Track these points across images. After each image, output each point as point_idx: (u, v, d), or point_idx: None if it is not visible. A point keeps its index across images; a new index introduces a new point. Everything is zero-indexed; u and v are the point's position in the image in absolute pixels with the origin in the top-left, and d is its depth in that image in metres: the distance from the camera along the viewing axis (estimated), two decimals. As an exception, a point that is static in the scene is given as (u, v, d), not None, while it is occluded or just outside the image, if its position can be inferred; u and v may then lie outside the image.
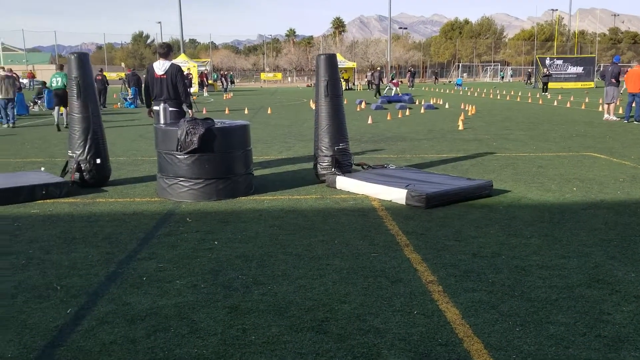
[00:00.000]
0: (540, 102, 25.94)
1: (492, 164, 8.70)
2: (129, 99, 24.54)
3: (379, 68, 35.99)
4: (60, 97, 14.77)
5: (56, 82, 15.16)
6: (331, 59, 7.42)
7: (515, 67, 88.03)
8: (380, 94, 30.75)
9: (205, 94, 38.41)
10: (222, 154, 6.42)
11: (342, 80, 45.74)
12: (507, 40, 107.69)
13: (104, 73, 26.00)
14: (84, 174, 6.96)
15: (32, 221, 5.53)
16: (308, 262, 4.29)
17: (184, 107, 7.45)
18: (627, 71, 16.00)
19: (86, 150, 6.97)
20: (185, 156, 6.28)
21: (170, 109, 7.30)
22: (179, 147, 6.25)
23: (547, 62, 45.69)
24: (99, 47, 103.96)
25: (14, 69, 24.54)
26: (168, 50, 7.51)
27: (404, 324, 3.21)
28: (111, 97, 29.10)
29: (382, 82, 34.61)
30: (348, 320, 3.26)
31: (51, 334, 3.13)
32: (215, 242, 4.80)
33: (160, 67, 7.31)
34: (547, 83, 36.42)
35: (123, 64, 50.83)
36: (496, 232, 5.04)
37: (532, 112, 19.49)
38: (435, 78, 65.68)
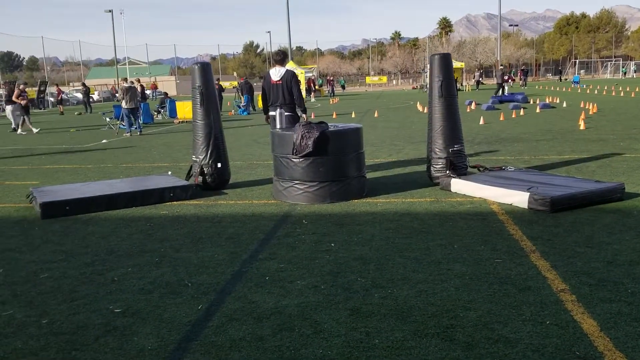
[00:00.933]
0: (673, 98, 23.75)
1: (621, 166, 8.06)
2: (242, 106, 25.58)
3: (501, 67, 34.75)
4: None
5: None
6: (446, 59, 7.26)
7: (639, 62, 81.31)
8: (504, 93, 29.71)
9: (313, 99, 39.15)
10: (335, 157, 6.49)
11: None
12: (629, 33, 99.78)
13: (219, 82, 27.33)
14: (207, 177, 7.33)
15: (162, 221, 5.91)
16: (427, 267, 4.20)
17: (298, 111, 7.63)
18: None
19: (208, 155, 7.33)
20: (301, 159, 6.41)
21: (286, 113, 7.50)
22: (295, 151, 6.40)
23: (680, 54, 41.70)
24: (213, 58, 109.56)
25: (135, 78, 26.47)
26: (284, 57, 7.74)
27: (536, 334, 3.04)
28: (225, 104, 30.48)
29: (510, 82, 33.24)
30: (475, 328, 3.14)
31: (185, 328, 3.30)
32: (332, 244, 4.84)
33: (276, 73, 7.53)
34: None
35: (235, 73, 53.24)
36: (632, 239, 4.65)
37: (664, 109, 17.88)
38: (560, 72, 62.27)
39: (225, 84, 53.25)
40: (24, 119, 19.17)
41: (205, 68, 7.41)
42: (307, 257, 4.52)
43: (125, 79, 17.35)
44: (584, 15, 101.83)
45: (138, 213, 6.33)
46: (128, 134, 16.40)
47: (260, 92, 7.91)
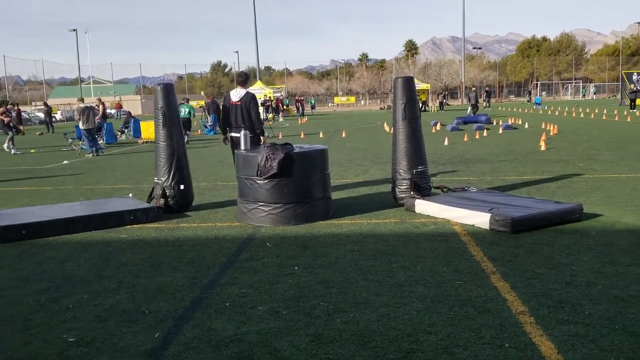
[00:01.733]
0: (629, 119, 24.56)
1: (580, 186, 8.25)
2: (209, 125, 25.43)
3: (473, 88, 35.60)
4: (185, 124, 18.37)
5: (183, 111, 19.85)
6: (409, 82, 7.36)
7: (598, 84, 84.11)
8: (475, 113, 30.75)
9: (281, 119, 39.21)
10: (300, 179, 6.47)
11: (419, 102, 45.62)
12: (589, 56, 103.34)
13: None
14: (169, 199, 7.21)
15: (121, 245, 5.77)
16: (390, 289, 4.19)
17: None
18: None
19: (171, 176, 7.23)
20: (265, 181, 6.37)
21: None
22: (259, 173, 6.36)
23: (635, 77, 43.29)
24: (180, 77, 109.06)
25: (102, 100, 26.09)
26: (246, 78, 7.79)
27: (495, 357, 3.04)
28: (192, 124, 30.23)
29: (480, 102, 34.14)
30: (435, 352, 3.13)
31: (140, 358, 3.20)
32: (296, 268, 4.79)
33: (236, 94, 7.58)
34: (635, 100, 34.48)
35: (202, 93, 52.98)
36: (590, 260, 4.73)
37: (621, 131, 18.46)
38: (529, 94, 63.49)
39: (192, 104, 52.98)
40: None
41: (168, 89, 7.35)
42: (270, 282, 4.46)
43: (82, 99, 17.05)
44: (545, 39, 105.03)
45: (97, 237, 6.17)
46: (90, 155, 16.10)
47: (221, 114, 7.92)
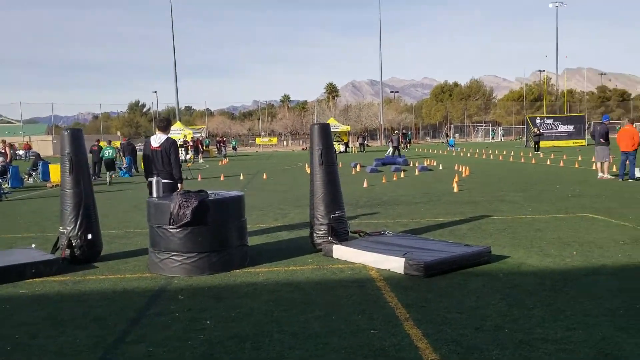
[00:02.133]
0: (533, 161, 26.17)
1: (489, 228, 8.61)
2: (124, 168, 24.62)
3: (396, 131, 37.36)
4: (109, 165, 21.72)
5: (108, 153, 22.19)
6: (325, 128, 7.48)
7: (506, 126, 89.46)
8: (399, 154, 32.85)
9: (201, 160, 38.67)
10: (215, 227, 6.33)
11: (342, 143, 46.82)
12: (496, 101, 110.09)
13: (100, 143, 26.20)
14: (75, 250, 6.82)
15: (20, 302, 5.36)
16: (305, 342, 4.11)
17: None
18: (618, 130, 16.17)
19: (77, 226, 6.86)
20: (178, 230, 6.18)
21: (164, 181, 7.25)
22: (172, 221, 6.16)
23: (538, 121, 46.46)
24: (96, 117, 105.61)
25: (10, 141, 24.78)
26: (167, 124, 7.70)
27: (407, 411, 3.03)
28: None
29: (402, 144, 35.82)
30: (347, 409, 3.07)
31: None
32: (208, 322, 4.62)
33: (156, 140, 7.46)
34: (539, 142, 36.90)
35: (119, 133, 51.45)
36: (498, 303, 4.89)
37: (526, 172, 19.59)
38: (447, 135, 66.17)
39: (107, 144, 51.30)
40: None
41: (76, 134, 7.05)
42: (180, 338, 4.26)
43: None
44: (456, 84, 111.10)
45: (-7, 293, 5.70)
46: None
47: (142, 159, 7.73)
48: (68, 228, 6.88)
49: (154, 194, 6.80)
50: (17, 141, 45.57)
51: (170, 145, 7.42)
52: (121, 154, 26.51)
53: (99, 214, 7.43)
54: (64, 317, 4.84)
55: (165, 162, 7.37)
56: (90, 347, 4.12)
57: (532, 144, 39.98)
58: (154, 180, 6.84)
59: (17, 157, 35.69)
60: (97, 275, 6.38)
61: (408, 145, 48.45)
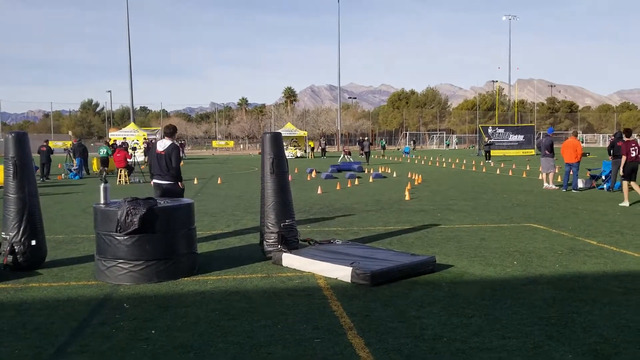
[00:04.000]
0: (484, 170, 26.90)
1: (436, 237, 8.84)
2: (74, 169, 24.00)
3: (366, 138, 37.80)
4: (103, 162, 23.47)
5: (102, 152, 23.72)
6: (277, 137, 7.54)
7: (460, 135, 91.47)
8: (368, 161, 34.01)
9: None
10: (164, 234, 6.30)
11: (309, 147, 47.31)
12: (451, 109, 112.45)
13: (49, 143, 25.50)
14: (18, 256, 6.66)
15: (-44, 311, 5.20)
16: (249, 352, 4.16)
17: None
18: (563, 142, 16.80)
19: (21, 231, 6.70)
20: (125, 237, 6.12)
21: (166, 182, 8.07)
22: (119, 228, 6.10)
23: (490, 130, 47.75)
24: (46, 115, 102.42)
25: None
26: (173, 131, 8.40)
27: (344, 420, 3.12)
28: (55, 167, 28.43)
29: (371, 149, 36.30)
30: (286, 419, 3.14)
31: None
32: (153, 331, 4.61)
33: (162, 145, 8.17)
34: (490, 151, 37.93)
35: (70, 132, 50.09)
36: (439, 312, 5.06)
37: (476, 181, 20.13)
38: (414, 143, 67.07)
39: (57, 144, 49.89)
40: None
41: (21, 138, 6.88)
42: (123, 348, 4.24)
43: None
44: (413, 92, 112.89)
45: None
46: None
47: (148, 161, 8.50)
48: (11, 234, 6.71)
49: (101, 201, 6.70)
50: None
51: (172, 150, 8.09)
52: (71, 155, 25.83)
53: (45, 217, 7.28)
54: (3, 327, 4.73)
55: (168, 165, 8.03)
56: (29, 359, 4.05)
57: (483, 153, 41.05)
58: (101, 187, 6.74)
59: None
60: (40, 282, 6.25)
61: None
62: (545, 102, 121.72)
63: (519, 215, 11.16)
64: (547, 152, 16.96)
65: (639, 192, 12.78)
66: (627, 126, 50.00)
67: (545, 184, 17.03)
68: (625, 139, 13.57)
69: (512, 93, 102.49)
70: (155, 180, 8.24)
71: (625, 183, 12.85)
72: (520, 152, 47.78)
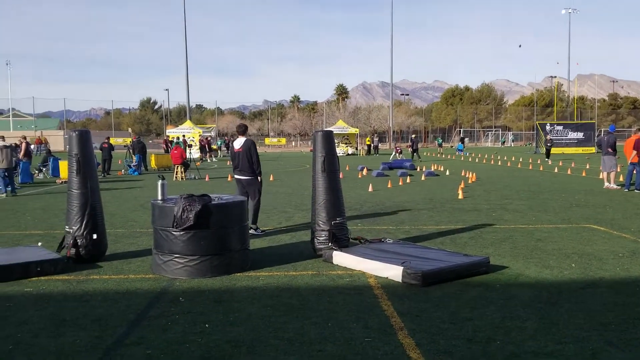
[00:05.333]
0: (541, 168, 26.11)
1: (491, 237, 8.65)
2: (133, 165, 24.81)
3: (413, 136, 37.89)
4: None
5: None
6: (328, 136, 7.56)
7: (516, 132, 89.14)
8: (419, 157, 34.54)
9: (209, 159, 38.79)
10: (217, 230, 6.43)
11: (365, 145, 47.66)
12: (507, 106, 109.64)
13: (111, 140, 26.44)
14: (80, 249, 6.96)
15: (24, 301, 5.48)
16: (300, 348, 4.20)
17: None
18: (626, 140, 16.08)
19: (83, 225, 6.99)
20: (181, 233, 6.29)
21: (245, 177, 8.96)
22: (175, 224, 6.27)
23: (548, 127, 46.34)
24: (107, 113, 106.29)
25: (22, 135, 25.08)
26: (245, 129, 9.31)
27: (394, 420, 3.11)
28: (115, 163, 29.44)
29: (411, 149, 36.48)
30: (336, 417, 3.15)
31: None
32: (206, 325, 4.72)
33: (238, 143, 9.02)
34: (550, 149, 36.70)
35: (130, 130, 51.73)
36: (492, 314, 4.95)
37: (533, 180, 19.57)
38: (462, 140, 65.53)
39: (117, 140, 51.63)
40: None
41: (84, 136, 7.18)
42: (178, 341, 4.36)
43: (3, 138, 16.30)
44: (467, 88, 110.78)
45: (-2, 290, 5.84)
46: (4, 195, 15.31)
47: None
48: (74, 227, 7.01)
49: (159, 197, 6.89)
50: (29, 135, 45.92)
51: (250, 145, 8.94)
52: (131, 151, 26.71)
53: (105, 212, 7.57)
54: (66, 317, 4.96)
55: (247, 160, 8.86)
56: (89, 349, 4.23)
57: (542, 151, 39.84)
58: (158, 183, 6.94)
59: (36, 154, 36.12)
60: (100, 275, 6.51)
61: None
62: (606, 99, 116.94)
63: (578, 216, 10.78)
64: (609, 150, 16.29)
65: None
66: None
67: (606, 184, 16.38)
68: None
69: (571, 89, 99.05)
70: (236, 176, 9.08)
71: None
72: (580, 150, 46.14)
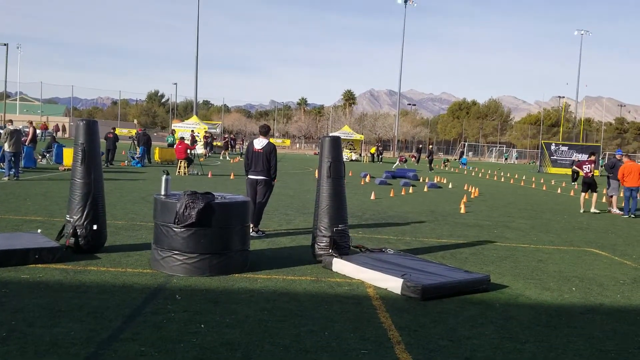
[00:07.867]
0: (544, 188, 26.04)
1: (492, 255, 8.60)
2: (137, 157, 24.80)
3: (430, 147, 38.56)
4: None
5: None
6: (335, 141, 7.53)
7: (520, 149, 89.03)
8: (431, 168, 35.59)
9: (226, 156, 38.66)
10: (219, 229, 6.39)
11: (370, 153, 47.92)
12: (513, 122, 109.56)
13: (116, 130, 26.44)
14: (79, 239, 6.92)
15: (20, 288, 5.44)
16: (295, 356, 4.15)
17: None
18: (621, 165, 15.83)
19: (84, 216, 6.96)
20: (182, 229, 6.25)
21: (260, 177, 8.90)
22: (177, 220, 6.23)
23: (553, 147, 46.25)
24: (114, 102, 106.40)
25: (29, 119, 25.07)
26: (267, 130, 9.28)
27: None
28: (119, 154, 29.44)
29: (414, 159, 37.04)
30: None
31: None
32: (202, 326, 4.67)
33: (259, 143, 8.96)
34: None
35: (135, 121, 51.73)
36: (491, 334, 4.90)
37: (536, 199, 19.50)
38: (462, 154, 65.30)
39: (122, 131, 51.63)
40: None
41: (92, 126, 7.15)
42: (173, 340, 4.32)
43: (11, 121, 16.29)
44: (474, 102, 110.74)
45: (-5, 275, 5.80)
46: (6, 178, 15.30)
47: (244, 157, 9.26)
48: (75, 217, 6.97)
49: (162, 192, 6.86)
50: (35, 120, 45.93)
51: (272, 150, 8.91)
52: (135, 143, 26.71)
53: (107, 203, 7.53)
54: (62, 307, 4.91)
55: (265, 163, 8.82)
56: (83, 341, 4.18)
57: (545, 170, 39.74)
58: (162, 178, 6.91)
59: (41, 139, 36.09)
60: (98, 266, 6.46)
61: (418, 159, 48.08)
62: (613, 122, 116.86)
63: (580, 239, 10.73)
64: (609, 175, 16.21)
65: None
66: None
67: (609, 208, 16.32)
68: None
69: (578, 110, 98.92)
70: (250, 176, 8.96)
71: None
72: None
